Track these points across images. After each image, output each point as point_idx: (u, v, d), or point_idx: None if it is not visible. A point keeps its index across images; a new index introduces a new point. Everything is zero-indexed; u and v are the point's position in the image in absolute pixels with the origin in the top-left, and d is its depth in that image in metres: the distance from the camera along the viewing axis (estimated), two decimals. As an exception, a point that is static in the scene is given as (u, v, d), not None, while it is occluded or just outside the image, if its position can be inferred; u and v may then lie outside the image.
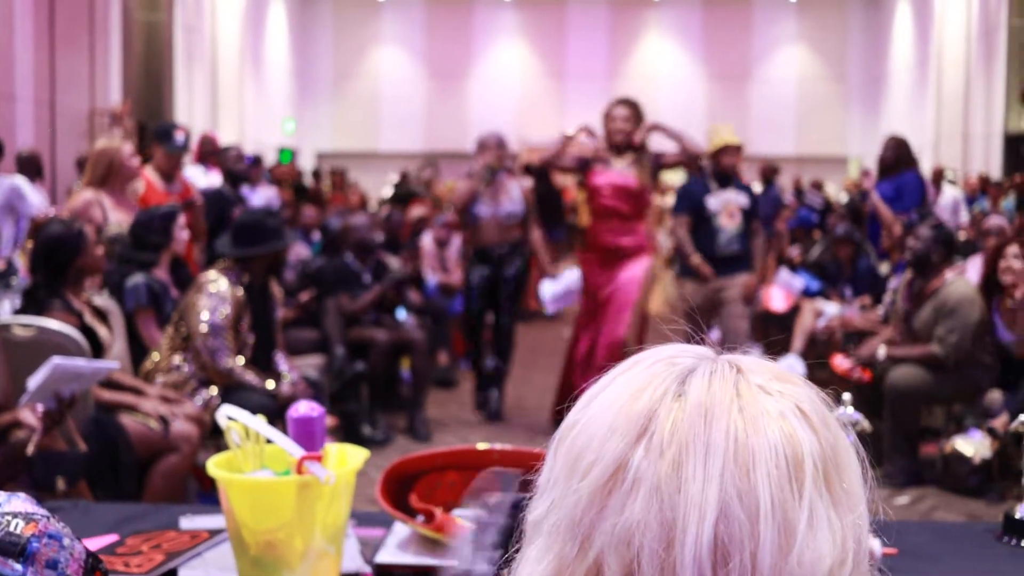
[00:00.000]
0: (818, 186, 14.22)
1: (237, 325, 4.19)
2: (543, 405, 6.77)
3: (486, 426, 6.43)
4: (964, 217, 11.21)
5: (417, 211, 9.27)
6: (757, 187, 9.83)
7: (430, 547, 1.96)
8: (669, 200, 13.06)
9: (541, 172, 8.53)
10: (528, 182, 6.96)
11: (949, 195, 11.29)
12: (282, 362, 4.49)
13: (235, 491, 1.77)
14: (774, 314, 7.39)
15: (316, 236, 7.81)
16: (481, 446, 2.06)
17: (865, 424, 2.17)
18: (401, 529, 2.09)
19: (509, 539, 1.18)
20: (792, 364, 6.48)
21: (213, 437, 3.92)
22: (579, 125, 6.23)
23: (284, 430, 1.84)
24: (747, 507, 0.70)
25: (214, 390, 4.12)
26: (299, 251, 6.97)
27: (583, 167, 6.21)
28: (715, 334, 6.27)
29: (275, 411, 3.81)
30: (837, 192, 14.71)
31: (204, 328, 4.08)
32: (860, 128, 20.28)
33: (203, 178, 7.60)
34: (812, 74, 21.02)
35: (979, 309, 5.13)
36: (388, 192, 11.92)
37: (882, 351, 5.34)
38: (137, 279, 4.35)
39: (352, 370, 5.90)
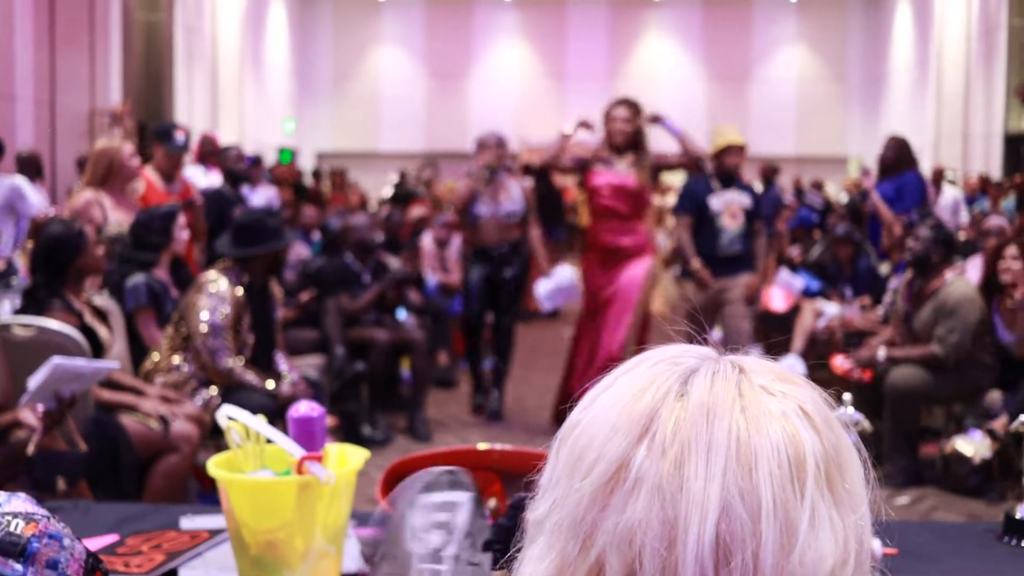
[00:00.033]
0: (818, 186, 14.22)
1: (237, 325, 4.19)
2: (543, 405, 6.77)
3: (486, 426, 6.43)
4: (964, 217, 11.21)
5: (417, 211, 9.27)
6: (757, 187, 9.82)
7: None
8: (669, 200, 13.07)
9: (541, 172, 8.53)
10: (529, 181, 6.96)
11: (949, 195, 11.29)
12: (282, 362, 4.49)
13: (235, 491, 1.77)
14: (774, 314, 7.38)
15: (316, 236, 7.81)
16: (481, 446, 2.06)
17: (865, 424, 2.17)
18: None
19: (510, 538, 1.18)
20: (792, 364, 6.47)
21: (213, 437, 3.92)
22: (578, 118, 6.22)
23: (284, 430, 1.84)
24: (749, 506, 0.70)
25: (214, 390, 4.11)
26: (299, 251, 6.97)
27: (582, 168, 6.20)
28: (716, 334, 6.27)
29: (275, 411, 3.81)
30: (837, 192, 14.71)
31: (204, 328, 4.07)
32: (860, 128, 20.29)
33: (203, 178, 7.59)
34: (812, 74, 21.03)
35: (979, 309, 5.13)
36: (388, 192, 11.92)
37: (882, 353, 5.34)
38: (137, 279, 4.35)
39: (352, 370, 5.90)
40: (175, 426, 3.75)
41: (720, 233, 6.24)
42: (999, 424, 4.67)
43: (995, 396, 5.07)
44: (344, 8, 20.98)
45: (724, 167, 6.29)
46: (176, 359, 4.13)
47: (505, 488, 1.93)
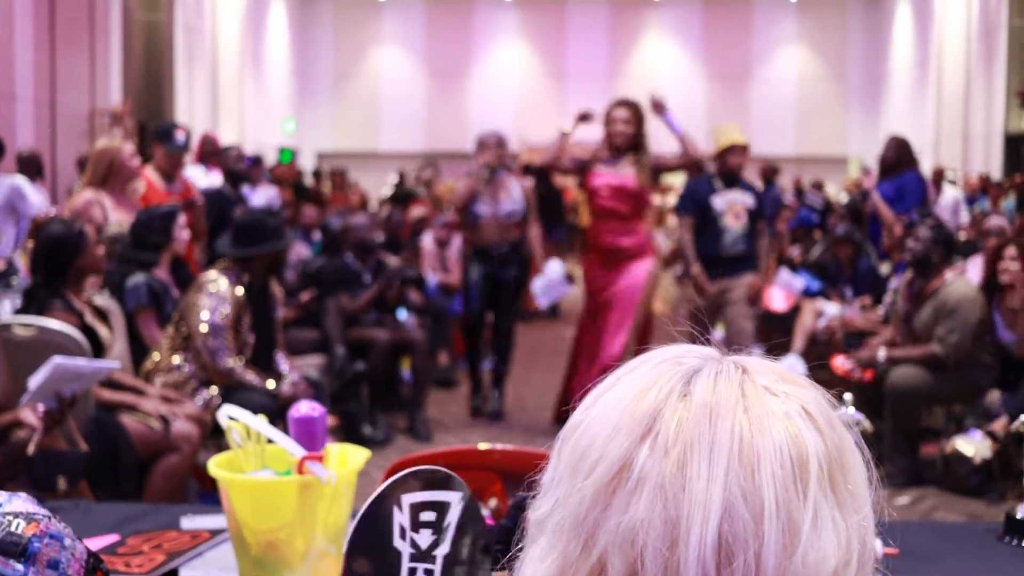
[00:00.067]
0: (818, 186, 14.22)
1: (237, 325, 4.19)
2: (543, 405, 6.77)
3: (486, 426, 6.43)
4: (964, 217, 11.21)
5: (417, 211, 9.27)
6: (759, 187, 9.82)
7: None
8: (670, 200, 13.08)
9: (541, 172, 8.52)
10: (529, 181, 6.96)
11: (949, 195, 11.30)
12: (282, 362, 4.49)
13: (236, 491, 1.77)
14: (774, 314, 7.38)
15: (316, 236, 7.81)
16: (482, 446, 2.06)
17: (866, 424, 2.17)
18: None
19: (511, 538, 1.18)
20: (793, 364, 6.47)
21: (214, 437, 3.93)
22: (578, 111, 6.19)
23: (285, 430, 1.84)
24: (751, 507, 0.70)
25: (214, 390, 4.11)
26: (299, 251, 6.97)
27: (583, 169, 6.20)
28: (718, 334, 6.27)
29: (276, 411, 3.81)
30: (837, 192, 14.71)
31: (204, 328, 4.07)
32: (860, 128, 20.30)
33: (204, 178, 7.60)
34: (812, 74, 21.03)
35: (979, 309, 5.13)
36: (388, 192, 11.93)
37: (882, 353, 5.33)
38: (138, 279, 4.35)
39: (352, 370, 5.90)
40: (175, 426, 3.75)
41: (723, 233, 6.22)
42: (999, 426, 4.67)
43: (995, 396, 5.07)
44: (344, 8, 20.98)
45: (727, 167, 6.28)
46: (176, 359, 4.13)
47: (506, 488, 1.92)
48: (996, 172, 13.88)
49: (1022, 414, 2.32)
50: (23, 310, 3.78)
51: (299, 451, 1.77)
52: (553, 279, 6.45)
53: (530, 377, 7.87)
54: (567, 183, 11.71)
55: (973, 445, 4.92)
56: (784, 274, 7.79)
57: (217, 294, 4.12)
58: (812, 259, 7.89)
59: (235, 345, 4.17)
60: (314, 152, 20.50)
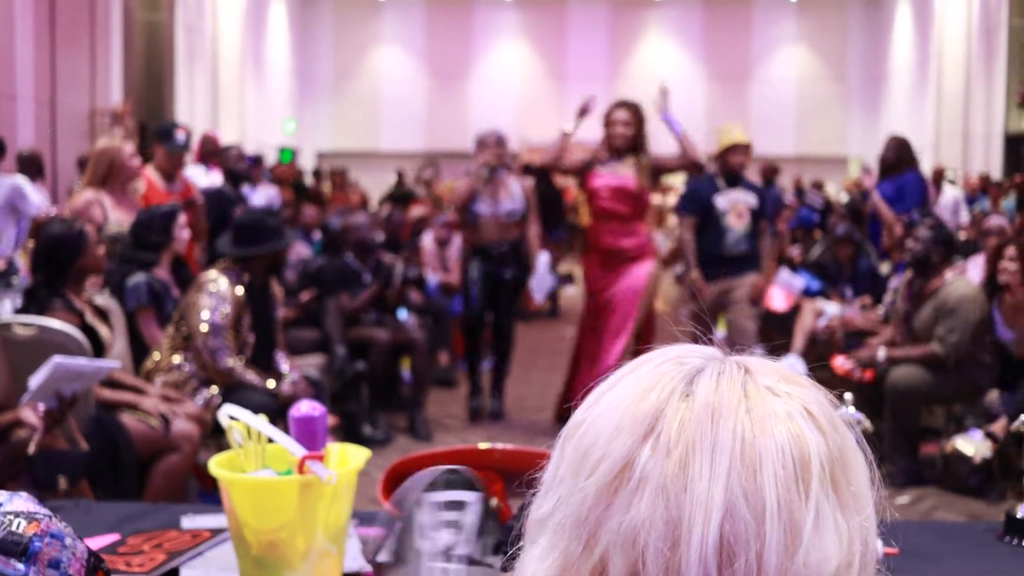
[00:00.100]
0: (818, 186, 14.22)
1: (237, 324, 4.19)
2: (543, 405, 6.77)
3: (486, 426, 6.43)
4: (964, 217, 11.21)
5: (417, 211, 9.27)
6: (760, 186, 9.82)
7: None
8: (670, 200, 13.07)
9: (542, 172, 8.52)
10: (529, 181, 6.96)
11: (949, 195, 11.30)
12: (283, 362, 4.49)
13: (237, 490, 1.77)
14: (775, 314, 7.39)
15: (317, 236, 7.81)
16: (482, 446, 2.06)
17: (867, 424, 2.17)
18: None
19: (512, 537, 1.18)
20: (793, 364, 6.47)
21: (214, 436, 3.93)
22: (581, 99, 6.17)
23: (285, 429, 1.84)
24: (753, 507, 0.70)
25: (215, 389, 4.12)
26: (300, 251, 6.97)
27: (583, 169, 6.20)
28: (720, 334, 6.26)
29: (276, 410, 3.81)
30: (837, 192, 14.71)
31: (205, 327, 4.08)
32: (860, 128, 20.30)
33: (204, 178, 7.60)
34: (812, 74, 21.03)
35: (979, 309, 5.13)
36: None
37: (882, 353, 5.34)
38: (138, 278, 4.35)
39: (353, 370, 5.90)
40: (176, 425, 3.76)
41: (726, 233, 6.20)
42: (999, 427, 4.68)
43: (994, 396, 5.07)
44: (344, 8, 20.98)
45: (729, 166, 6.26)
46: (177, 358, 4.13)
47: (507, 488, 1.92)
48: (996, 172, 13.88)
49: (1022, 414, 2.32)
50: (23, 310, 3.79)
51: (300, 451, 1.77)
52: (540, 271, 6.46)
53: (530, 377, 7.87)
54: (567, 183, 11.70)
55: (973, 445, 4.92)
56: (784, 274, 7.79)
57: (217, 294, 4.12)
58: (812, 259, 7.89)
59: (235, 345, 4.17)
60: (314, 152, 20.50)
